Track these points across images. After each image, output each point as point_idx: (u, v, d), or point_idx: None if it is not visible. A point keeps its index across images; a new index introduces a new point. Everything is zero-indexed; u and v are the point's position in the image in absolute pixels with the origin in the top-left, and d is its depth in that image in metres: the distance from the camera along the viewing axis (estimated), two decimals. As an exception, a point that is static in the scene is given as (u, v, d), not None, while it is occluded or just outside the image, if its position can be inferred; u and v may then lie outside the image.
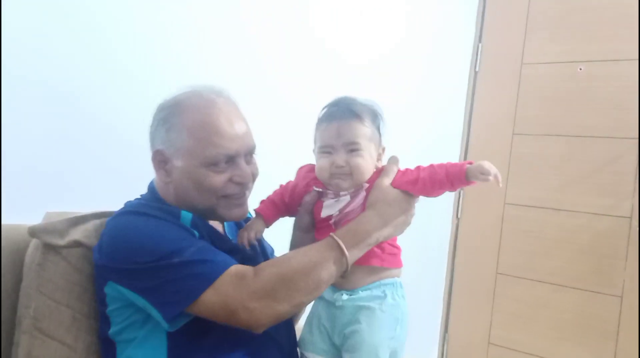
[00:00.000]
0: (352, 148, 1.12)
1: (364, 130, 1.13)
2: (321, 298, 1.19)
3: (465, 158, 2.82)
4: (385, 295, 1.16)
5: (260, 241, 1.31)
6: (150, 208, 1.14)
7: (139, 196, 1.24)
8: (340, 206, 1.16)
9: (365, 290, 1.16)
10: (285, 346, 1.20)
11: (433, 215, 2.74)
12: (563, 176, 2.54)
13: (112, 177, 1.44)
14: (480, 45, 2.78)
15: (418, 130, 2.57)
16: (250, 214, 1.40)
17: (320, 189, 1.18)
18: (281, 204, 1.22)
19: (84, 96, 1.42)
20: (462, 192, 2.83)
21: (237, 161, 1.15)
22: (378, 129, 1.18)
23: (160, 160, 1.17)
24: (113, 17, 1.47)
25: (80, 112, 1.41)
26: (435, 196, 1.17)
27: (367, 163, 1.14)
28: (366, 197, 1.15)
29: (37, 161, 1.34)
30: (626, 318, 2.38)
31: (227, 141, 1.13)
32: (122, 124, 1.42)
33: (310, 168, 1.22)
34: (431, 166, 1.15)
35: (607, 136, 2.43)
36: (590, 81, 2.47)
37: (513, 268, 2.68)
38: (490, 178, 1.06)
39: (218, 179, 1.13)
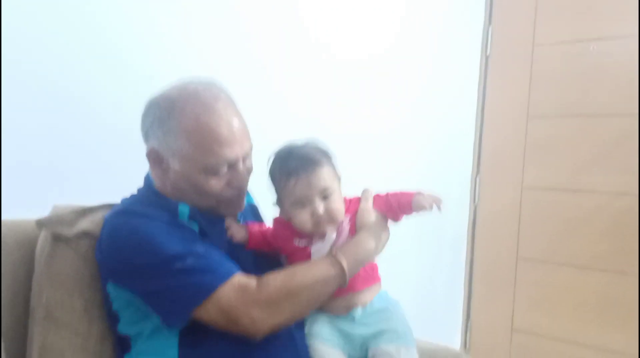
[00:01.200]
0: (326, 194, 1.16)
1: (328, 173, 1.18)
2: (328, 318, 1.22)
3: (480, 145, 2.79)
4: (397, 301, 1.25)
5: None
6: (147, 205, 1.14)
7: (135, 192, 1.25)
8: (329, 244, 1.19)
9: (374, 302, 1.22)
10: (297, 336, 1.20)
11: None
12: (580, 157, 2.49)
13: (118, 170, 1.45)
14: (490, 28, 2.74)
15: (431, 119, 2.55)
16: (251, 198, 1.40)
17: (304, 244, 1.20)
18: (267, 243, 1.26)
19: (87, 89, 1.44)
20: (477, 178, 2.80)
21: (236, 165, 1.16)
22: (333, 163, 1.22)
23: (155, 158, 1.17)
24: (112, 14, 1.48)
25: (84, 106, 1.43)
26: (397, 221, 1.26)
27: (340, 203, 1.20)
28: (351, 227, 1.21)
29: (44, 155, 1.36)
30: (652, 298, 2.32)
31: (227, 150, 1.12)
32: (126, 117, 1.42)
33: (282, 222, 1.24)
34: (395, 193, 1.25)
35: (623, 114, 2.38)
36: (603, 59, 2.41)
37: (534, 252, 2.64)
38: (427, 209, 1.20)
39: (217, 184, 1.14)
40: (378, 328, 1.18)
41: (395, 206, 1.23)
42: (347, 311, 1.20)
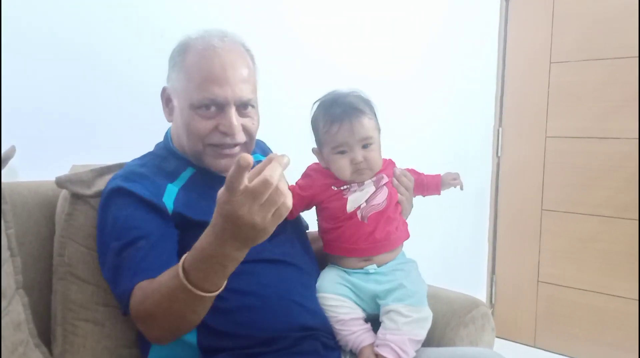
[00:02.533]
0: (366, 143, 1.19)
1: (371, 123, 1.20)
2: (342, 271, 1.23)
3: (502, 95, 2.73)
4: (414, 261, 1.27)
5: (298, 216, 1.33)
6: (140, 178, 1.12)
7: (153, 147, 1.26)
8: (366, 196, 1.21)
9: (393, 261, 1.23)
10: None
11: (472, 157, 2.68)
12: (606, 102, 2.42)
13: (136, 129, 1.45)
14: (509, -29, 2.66)
15: (451, 69, 2.49)
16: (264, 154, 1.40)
17: (345, 187, 1.21)
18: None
19: (104, 47, 1.43)
20: (500, 129, 2.75)
21: (226, 109, 1.12)
22: (375, 116, 1.24)
23: (167, 97, 1.20)
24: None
25: (102, 66, 1.44)
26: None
27: (379, 154, 1.23)
28: (390, 192, 1.23)
29: (63, 116, 1.37)
30: (681, 244, 2.28)
31: (215, 87, 1.11)
32: (144, 74, 1.43)
33: (318, 170, 1.25)
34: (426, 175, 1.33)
35: (649, 56, 2.29)
36: (629, -3, 2.32)
37: (559, 204, 2.61)
38: (458, 181, 1.29)
39: (203, 124, 1.13)
40: (389, 286, 1.18)
41: (426, 185, 1.31)
42: (362, 268, 1.21)
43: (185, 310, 0.96)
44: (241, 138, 1.15)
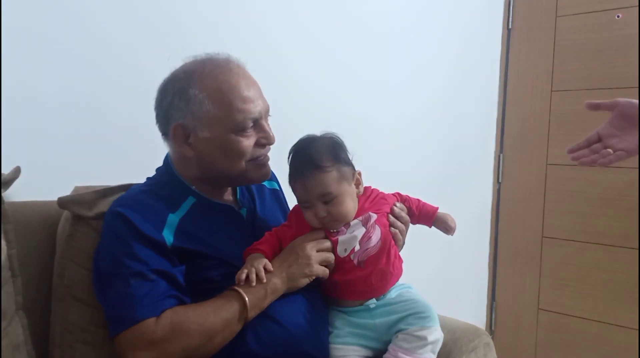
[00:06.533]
0: (327, 199, 1.14)
1: (328, 177, 1.13)
2: (344, 316, 1.21)
3: (503, 121, 2.75)
4: (409, 285, 1.25)
5: None
6: (142, 207, 1.12)
7: (154, 172, 1.26)
8: (357, 239, 1.17)
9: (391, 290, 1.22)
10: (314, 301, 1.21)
11: (472, 182, 2.69)
12: (607, 131, 2.43)
13: (139, 150, 1.46)
14: (511, 1, 2.69)
15: (454, 93, 2.51)
16: (275, 183, 1.41)
17: (333, 229, 1.18)
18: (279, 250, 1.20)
19: (109, 70, 1.44)
20: (501, 156, 2.76)
21: (261, 123, 1.17)
22: (344, 162, 1.17)
23: (182, 134, 1.16)
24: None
25: (105, 87, 1.44)
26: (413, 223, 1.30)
27: (346, 205, 1.15)
28: (385, 231, 1.18)
29: (64, 138, 1.37)
30: (682, 274, 2.27)
31: (250, 105, 1.14)
32: (150, 98, 1.44)
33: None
34: (418, 201, 1.30)
35: (651, 85, 2.31)
36: (631, 28, 2.35)
37: (559, 231, 2.60)
38: (451, 232, 1.25)
39: (247, 143, 1.15)
40: (401, 314, 1.17)
41: (418, 217, 1.27)
42: (361, 304, 1.20)
43: (229, 333, 1.07)
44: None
